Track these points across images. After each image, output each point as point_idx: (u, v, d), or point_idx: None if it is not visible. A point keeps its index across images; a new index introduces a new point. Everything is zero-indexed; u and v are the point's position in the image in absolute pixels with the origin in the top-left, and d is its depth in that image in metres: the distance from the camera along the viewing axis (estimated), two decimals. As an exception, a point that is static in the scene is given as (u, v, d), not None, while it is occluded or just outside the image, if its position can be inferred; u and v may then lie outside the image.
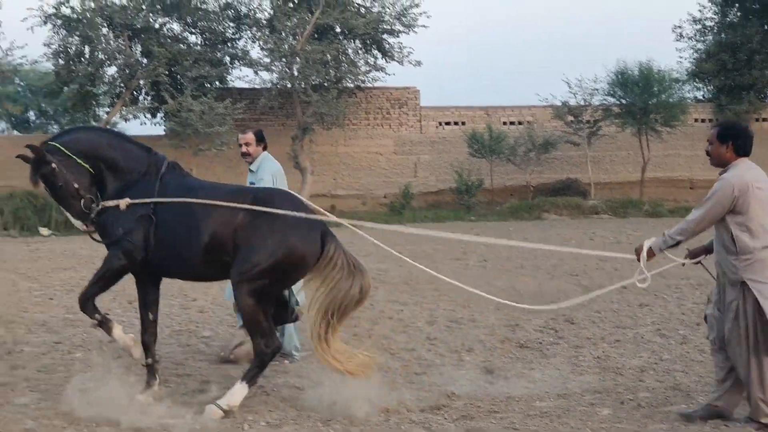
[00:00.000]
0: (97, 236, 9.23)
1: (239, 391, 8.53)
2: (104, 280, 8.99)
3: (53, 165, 8.77)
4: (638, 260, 8.43)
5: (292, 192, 9.22)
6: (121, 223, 8.79)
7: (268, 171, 10.75)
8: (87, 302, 8.85)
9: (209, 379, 9.81)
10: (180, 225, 8.77)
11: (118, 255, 8.82)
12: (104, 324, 8.87)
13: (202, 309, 14.68)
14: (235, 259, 8.58)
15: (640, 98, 38.88)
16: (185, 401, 8.83)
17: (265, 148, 10.98)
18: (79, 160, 8.89)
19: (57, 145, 8.94)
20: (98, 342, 11.89)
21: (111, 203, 8.89)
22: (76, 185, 8.82)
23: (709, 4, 43.50)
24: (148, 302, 9.29)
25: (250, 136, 10.81)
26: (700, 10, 44.08)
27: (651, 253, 8.37)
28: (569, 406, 8.71)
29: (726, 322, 7.96)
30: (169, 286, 17.12)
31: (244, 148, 10.93)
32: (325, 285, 8.76)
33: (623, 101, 39.93)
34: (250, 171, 10.93)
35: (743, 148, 8.10)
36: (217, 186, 9.47)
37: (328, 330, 8.77)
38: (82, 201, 8.83)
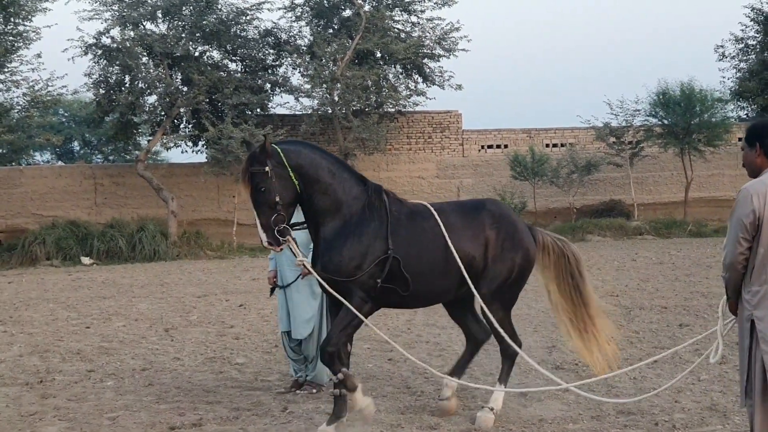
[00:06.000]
0: (284, 255, 9.52)
1: (501, 394, 8.99)
2: (353, 327, 8.56)
3: (267, 167, 8.26)
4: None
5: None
6: (362, 261, 8.45)
7: None
8: (333, 355, 8.38)
9: (239, 406, 9.75)
10: (432, 255, 8.70)
11: (363, 298, 8.44)
12: (346, 382, 8.39)
13: (238, 336, 14.57)
14: (484, 277, 8.80)
15: (682, 118, 38.48)
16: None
17: None
18: (291, 174, 8.39)
19: (279, 150, 8.45)
20: (131, 370, 11.87)
21: (295, 249, 8.57)
22: (277, 197, 8.27)
23: (752, 23, 43.10)
24: None
25: None
26: (742, 30, 43.67)
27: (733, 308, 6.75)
28: (602, 428, 8.58)
29: None
30: (206, 314, 17.15)
31: None
32: (550, 271, 9.34)
33: (665, 122, 39.60)
34: None
35: None
36: (445, 206, 9.27)
37: (581, 315, 9.30)
38: (274, 216, 8.29)
